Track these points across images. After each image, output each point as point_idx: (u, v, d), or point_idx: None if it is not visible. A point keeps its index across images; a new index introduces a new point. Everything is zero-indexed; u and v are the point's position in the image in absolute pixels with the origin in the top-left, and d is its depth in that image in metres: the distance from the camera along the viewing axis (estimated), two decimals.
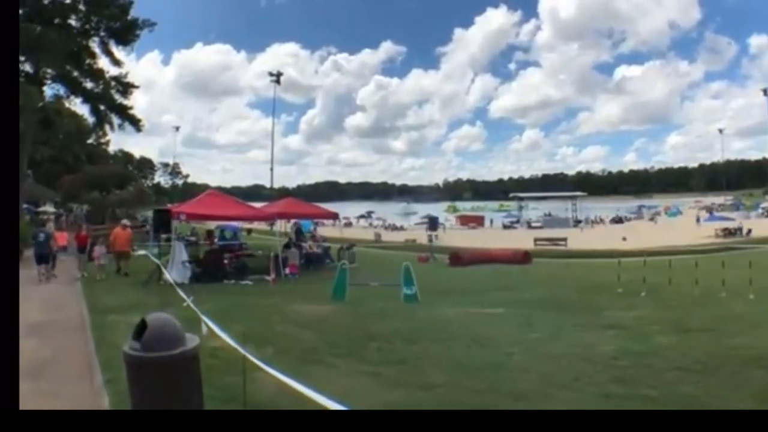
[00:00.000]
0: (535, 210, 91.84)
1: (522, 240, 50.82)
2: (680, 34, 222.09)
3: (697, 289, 15.40)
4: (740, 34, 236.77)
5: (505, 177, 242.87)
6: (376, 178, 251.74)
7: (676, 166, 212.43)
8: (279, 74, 68.42)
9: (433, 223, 32.82)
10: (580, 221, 78.61)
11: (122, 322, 11.04)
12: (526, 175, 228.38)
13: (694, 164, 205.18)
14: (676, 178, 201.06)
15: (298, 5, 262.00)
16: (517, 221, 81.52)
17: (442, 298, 17.12)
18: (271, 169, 70.44)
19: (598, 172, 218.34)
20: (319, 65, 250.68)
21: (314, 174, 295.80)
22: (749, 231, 54.05)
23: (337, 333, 11.16)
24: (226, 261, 20.13)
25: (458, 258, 28.01)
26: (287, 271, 21.11)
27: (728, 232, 54.81)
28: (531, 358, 9.02)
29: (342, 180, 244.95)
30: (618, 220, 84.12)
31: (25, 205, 47.40)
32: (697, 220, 73.95)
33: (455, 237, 57.67)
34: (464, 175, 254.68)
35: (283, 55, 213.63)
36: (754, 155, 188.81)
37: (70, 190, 49.86)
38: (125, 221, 18.70)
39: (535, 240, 49.89)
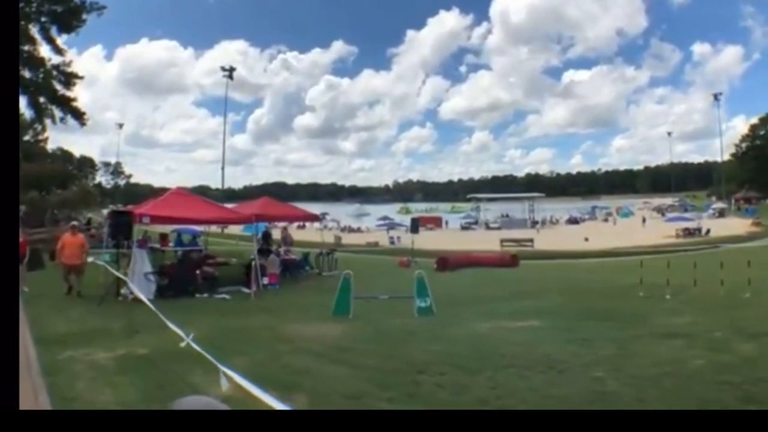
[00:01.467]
0: (488, 211, 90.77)
1: (488, 241, 49.37)
2: (627, 40, 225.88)
3: (721, 290, 14.42)
4: (684, 42, 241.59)
5: (455, 178, 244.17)
6: (325, 179, 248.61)
7: (622, 168, 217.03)
8: (231, 69, 65.27)
9: (415, 225, 30.19)
10: (537, 222, 77.38)
11: (83, 360, 9.02)
12: (476, 176, 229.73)
13: (639, 167, 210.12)
14: (622, 180, 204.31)
15: (248, 2, 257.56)
16: (475, 222, 79.83)
17: (458, 310, 14.91)
18: (222, 168, 66.97)
19: (547, 174, 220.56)
20: (268, 63, 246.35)
21: (261, 174, 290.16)
22: (708, 231, 54.78)
23: (371, 365, 8.85)
24: (198, 272, 17.12)
25: (445, 262, 25.57)
26: (265, 281, 18.26)
27: (688, 232, 55.20)
28: (627, 382, 7.50)
29: (290, 181, 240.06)
30: (573, 221, 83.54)
31: None
32: (643, 220, 75.25)
33: (418, 239, 55.55)
34: (414, 177, 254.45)
35: (231, 52, 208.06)
36: (695, 158, 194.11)
37: None
38: (75, 223, 15.05)
39: (502, 241, 48.34)
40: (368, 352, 9.79)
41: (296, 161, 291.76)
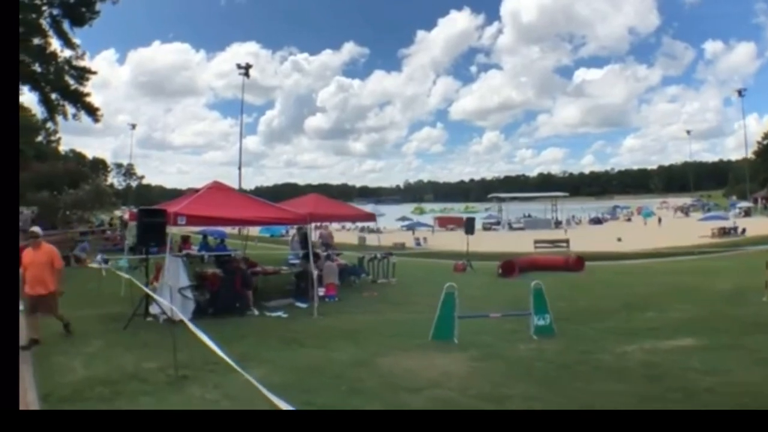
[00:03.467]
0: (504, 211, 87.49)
1: (522, 242, 46.07)
2: (639, 39, 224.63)
3: None
4: (696, 40, 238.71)
5: (466, 179, 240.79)
6: (335, 180, 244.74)
7: (635, 167, 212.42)
8: (248, 66, 61.54)
9: (470, 225, 26.61)
10: (560, 222, 73.75)
11: None
12: (488, 176, 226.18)
13: (652, 166, 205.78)
14: (636, 179, 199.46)
15: (260, 4, 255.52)
16: (497, 222, 76.05)
17: (580, 329, 11.89)
18: (239, 168, 63.64)
19: (559, 174, 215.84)
20: (279, 65, 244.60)
21: (272, 176, 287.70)
22: (744, 230, 52.08)
23: None
24: (254, 280, 13.52)
25: (512, 267, 22.00)
26: (321, 292, 14.81)
27: (724, 232, 52.26)
28: None
29: (301, 182, 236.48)
30: (597, 221, 79.96)
31: None
32: (659, 221, 72.83)
33: (445, 240, 52.34)
34: (425, 177, 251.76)
35: (243, 54, 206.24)
36: (709, 157, 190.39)
37: None
38: (36, 229, 10.96)
39: (536, 242, 44.66)
40: (533, 397, 7.08)
41: (307, 162, 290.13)
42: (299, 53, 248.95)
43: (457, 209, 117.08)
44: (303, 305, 14.11)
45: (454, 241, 50.81)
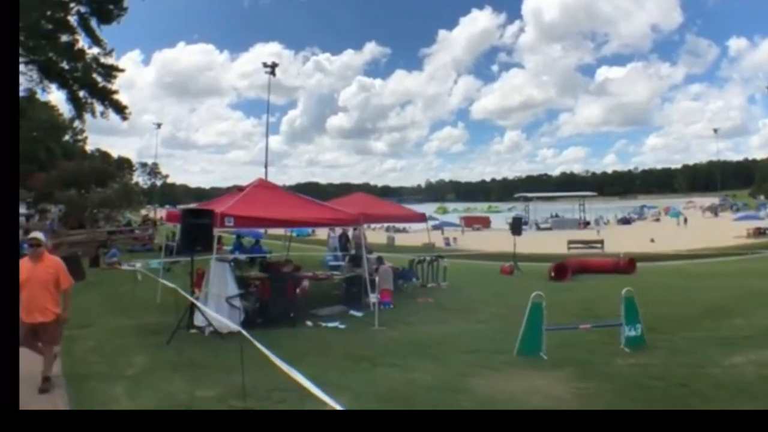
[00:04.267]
0: (531, 211, 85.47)
1: (553, 242, 44.37)
2: (662, 36, 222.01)
3: None
4: (720, 37, 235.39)
5: (487, 178, 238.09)
6: (357, 179, 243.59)
7: (658, 167, 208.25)
8: (274, 65, 60.03)
9: (517, 225, 24.95)
10: (588, 222, 71.69)
11: None
12: (509, 176, 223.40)
13: (676, 165, 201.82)
14: (659, 179, 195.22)
15: (282, 5, 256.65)
16: (525, 223, 74.01)
17: (670, 338, 10.41)
18: (266, 166, 62.24)
19: (582, 173, 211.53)
20: (301, 66, 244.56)
21: (294, 175, 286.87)
22: None
23: None
24: (298, 290, 12.07)
25: (564, 269, 20.44)
26: (374, 299, 13.34)
27: (759, 232, 50.47)
28: None
29: (322, 181, 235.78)
30: (626, 221, 77.67)
31: None
32: (685, 221, 70.38)
33: (475, 240, 50.78)
34: (446, 176, 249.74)
35: (266, 55, 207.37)
36: (732, 156, 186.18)
37: (43, 188, 41.59)
38: (36, 234, 7.37)
39: (569, 243, 42.90)
40: None
41: (329, 161, 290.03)
42: (321, 53, 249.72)
43: (480, 209, 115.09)
44: (358, 314, 12.68)
45: (484, 241, 49.40)
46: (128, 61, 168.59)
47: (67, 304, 7.40)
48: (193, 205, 16.53)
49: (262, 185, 13.24)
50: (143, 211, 58.20)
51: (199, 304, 9.79)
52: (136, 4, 38.10)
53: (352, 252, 18.27)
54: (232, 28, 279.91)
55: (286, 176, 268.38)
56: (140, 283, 14.44)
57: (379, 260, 15.23)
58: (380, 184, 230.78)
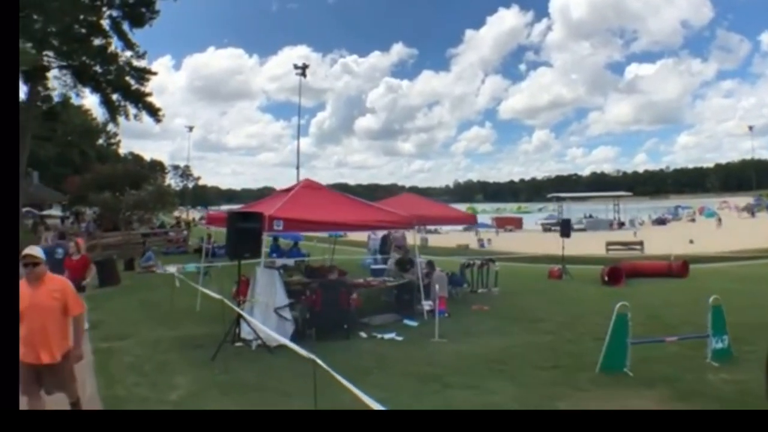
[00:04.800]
0: (548, 211, 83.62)
1: (590, 244, 42.72)
2: (692, 32, 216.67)
3: None
4: (752, 31, 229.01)
5: (516, 178, 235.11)
6: (385, 180, 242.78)
7: (690, 166, 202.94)
8: (305, 66, 59.41)
9: (566, 227, 23.55)
10: (623, 223, 69.67)
11: None
12: (538, 176, 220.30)
13: (708, 164, 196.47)
14: (692, 178, 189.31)
15: (310, 9, 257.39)
16: (558, 223, 72.13)
17: (757, 350, 8.81)
18: (297, 168, 61.60)
19: (612, 173, 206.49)
20: (329, 68, 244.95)
21: (323, 176, 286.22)
22: None
23: None
24: (355, 296, 11.00)
25: (618, 273, 19.16)
26: (427, 306, 12.30)
27: None
28: None
29: (351, 182, 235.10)
30: (661, 222, 75.39)
31: (26, 209, 38.80)
32: (719, 221, 66.34)
33: (509, 241, 49.44)
34: (474, 177, 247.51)
35: (294, 58, 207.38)
36: (766, 154, 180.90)
37: (78, 191, 41.30)
38: (33, 251, 5.67)
39: (608, 244, 41.37)
40: None
41: (357, 163, 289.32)
42: (349, 55, 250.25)
43: (509, 209, 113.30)
44: (412, 323, 11.61)
45: (519, 242, 48.04)
46: (160, 66, 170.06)
47: (80, 335, 5.82)
48: (232, 207, 15.62)
49: (309, 186, 12.21)
50: (176, 213, 57.75)
51: (247, 316, 8.81)
52: (167, 9, 37.76)
53: (396, 255, 17.24)
54: (260, 32, 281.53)
55: (315, 177, 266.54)
56: (178, 289, 13.57)
57: (430, 265, 14.14)
58: (408, 184, 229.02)
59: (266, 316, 9.62)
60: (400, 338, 10.40)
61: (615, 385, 7.65)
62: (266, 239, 26.74)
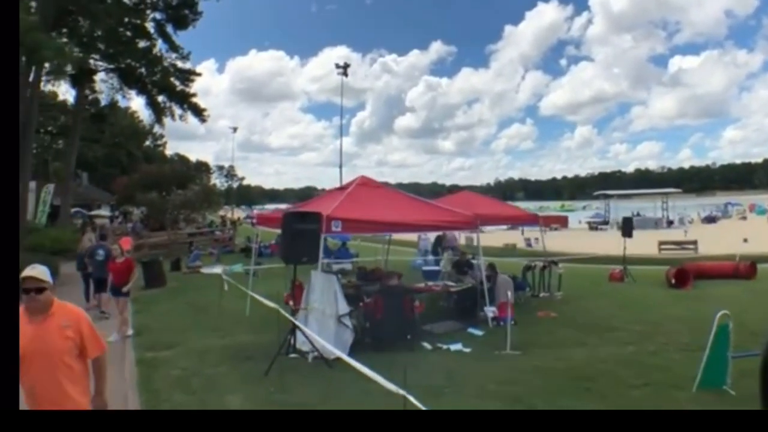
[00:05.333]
0: (592, 209, 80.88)
1: (640, 243, 40.94)
2: (737, 21, 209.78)
3: None
4: None
5: (558, 176, 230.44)
6: (425, 179, 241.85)
7: (738, 161, 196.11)
8: (346, 66, 58.63)
9: (628, 226, 22.10)
10: (671, 221, 67.12)
11: None
12: (581, 173, 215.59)
13: (756, 159, 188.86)
14: (740, 174, 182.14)
15: (348, 9, 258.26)
16: (605, 222, 69.89)
17: None
18: (340, 167, 60.94)
19: (657, 169, 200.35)
20: (369, 68, 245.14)
21: (364, 175, 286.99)
22: None
23: None
24: (417, 303, 9.81)
25: (685, 275, 17.80)
26: (491, 313, 11.24)
27: None
28: None
29: (392, 181, 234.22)
30: (711, 220, 72.55)
31: (75, 209, 38.93)
32: None
33: (557, 240, 47.76)
34: (515, 174, 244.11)
35: (335, 58, 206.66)
36: None
37: (126, 191, 41.30)
38: (34, 272, 3.83)
39: (660, 244, 39.49)
40: None
41: (397, 161, 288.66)
42: (388, 54, 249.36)
43: (552, 207, 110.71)
44: (477, 332, 10.57)
45: (567, 241, 46.25)
46: (204, 70, 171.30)
47: (102, 381, 4.33)
48: (279, 207, 14.74)
49: (366, 183, 11.24)
50: (221, 212, 57.61)
51: (305, 328, 7.90)
52: (210, 14, 37.83)
53: (452, 256, 16.23)
54: (301, 34, 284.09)
55: (355, 176, 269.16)
56: (226, 291, 12.79)
57: (492, 267, 13.06)
58: (448, 183, 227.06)
59: (323, 325, 8.71)
60: (467, 350, 9.38)
61: (716, 404, 6.67)
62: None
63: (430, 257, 21.84)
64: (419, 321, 9.84)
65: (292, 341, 8.50)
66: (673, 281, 17.71)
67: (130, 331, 10.69)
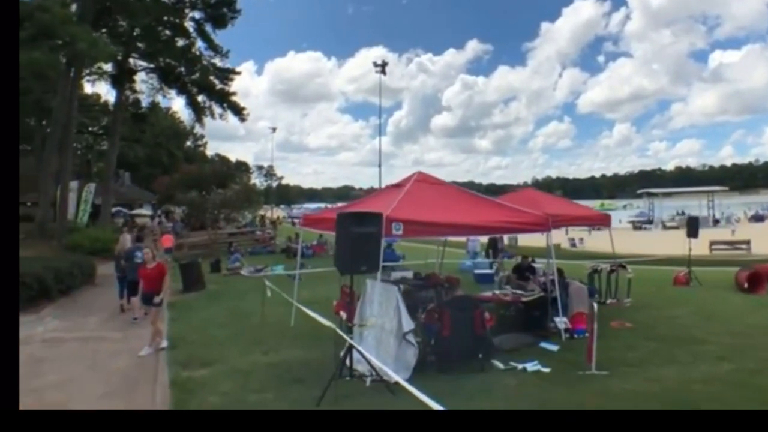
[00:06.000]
0: (633, 208, 78.01)
1: (692, 243, 38.89)
2: None
3: None
4: None
5: (596, 174, 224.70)
6: (462, 178, 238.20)
7: None
8: (384, 64, 57.33)
9: (694, 226, 20.29)
10: (717, 220, 64.30)
11: None
12: (621, 171, 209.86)
13: None
14: None
15: (384, 10, 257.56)
16: (649, 221, 67.40)
17: None
18: (379, 166, 59.90)
19: (698, 167, 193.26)
20: (405, 67, 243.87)
21: (400, 174, 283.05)
22: None
23: None
24: (488, 316, 8.35)
25: (759, 279, 16.10)
26: (563, 324, 9.87)
27: None
28: None
29: None
30: (759, 218, 69.46)
31: (116, 208, 38.54)
32: None
33: (603, 241, 45.74)
34: (552, 173, 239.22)
35: (371, 58, 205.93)
36: None
37: (167, 191, 40.82)
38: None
39: (711, 244, 37.46)
40: None
41: (434, 161, 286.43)
42: (424, 54, 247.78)
43: (592, 207, 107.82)
44: (551, 347, 9.21)
45: (612, 241, 44.24)
46: (244, 71, 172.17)
47: None
48: (320, 206, 13.45)
49: (424, 179, 9.88)
50: (260, 212, 56.93)
51: (363, 350, 6.65)
52: (249, 17, 37.45)
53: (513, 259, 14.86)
54: (337, 35, 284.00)
55: (392, 176, 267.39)
56: (269, 297, 11.66)
57: (560, 273, 11.66)
58: (485, 182, 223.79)
59: (382, 343, 7.52)
60: (546, 369, 8.03)
61: None
62: (331, 235, 24.92)
63: (480, 259, 20.51)
64: (491, 337, 8.52)
65: (348, 362, 7.27)
66: (746, 285, 16.06)
67: (164, 343, 9.59)
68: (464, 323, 7.83)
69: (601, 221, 14.34)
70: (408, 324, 7.50)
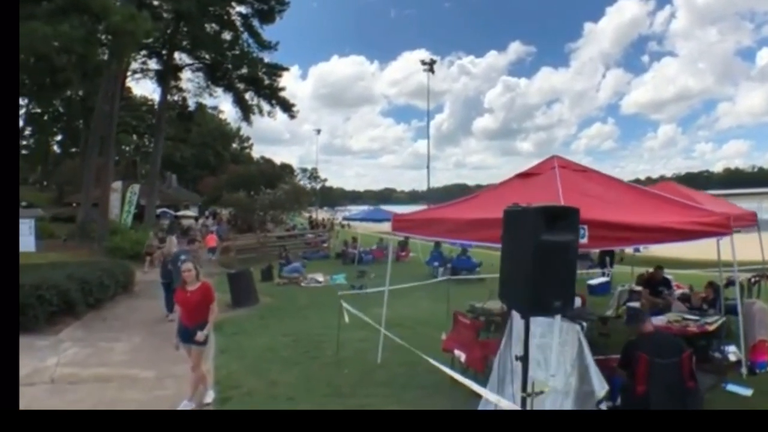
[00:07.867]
0: None
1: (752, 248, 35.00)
2: None
3: None
4: None
5: (641, 176, 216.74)
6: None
7: None
8: (432, 62, 54.56)
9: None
10: None
11: None
12: (665, 173, 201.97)
13: None
14: None
15: (426, 13, 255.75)
16: None
17: None
18: (428, 167, 57.11)
19: (747, 169, 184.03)
20: (447, 70, 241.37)
21: (442, 177, 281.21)
22: None
23: None
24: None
25: None
26: (733, 356, 7.01)
27: None
28: None
29: (470, 182, 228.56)
30: None
31: (161, 209, 36.56)
32: None
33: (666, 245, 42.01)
34: None
35: (413, 62, 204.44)
36: None
37: (213, 192, 38.81)
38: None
39: None
40: None
41: (475, 163, 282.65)
42: (465, 56, 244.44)
43: None
44: (744, 391, 6.29)
45: (676, 246, 40.70)
46: (288, 75, 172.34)
47: None
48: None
49: (567, 166, 7.08)
50: (305, 214, 54.65)
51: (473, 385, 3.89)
52: (294, 21, 35.61)
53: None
54: (380, 39, 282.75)
55: (434, 179, 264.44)
56: (346, 323, 8.90)
57: (715, 289, 8.72)
58: None
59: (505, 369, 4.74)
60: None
61: None
62: (422, 243, 21.49)
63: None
64: (703, 392, 5.60)
65: None
66: None
67: (210, 396, 6.66)
68: (669, 373, 4.92)
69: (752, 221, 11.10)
70: (600, 385, 4.63)
